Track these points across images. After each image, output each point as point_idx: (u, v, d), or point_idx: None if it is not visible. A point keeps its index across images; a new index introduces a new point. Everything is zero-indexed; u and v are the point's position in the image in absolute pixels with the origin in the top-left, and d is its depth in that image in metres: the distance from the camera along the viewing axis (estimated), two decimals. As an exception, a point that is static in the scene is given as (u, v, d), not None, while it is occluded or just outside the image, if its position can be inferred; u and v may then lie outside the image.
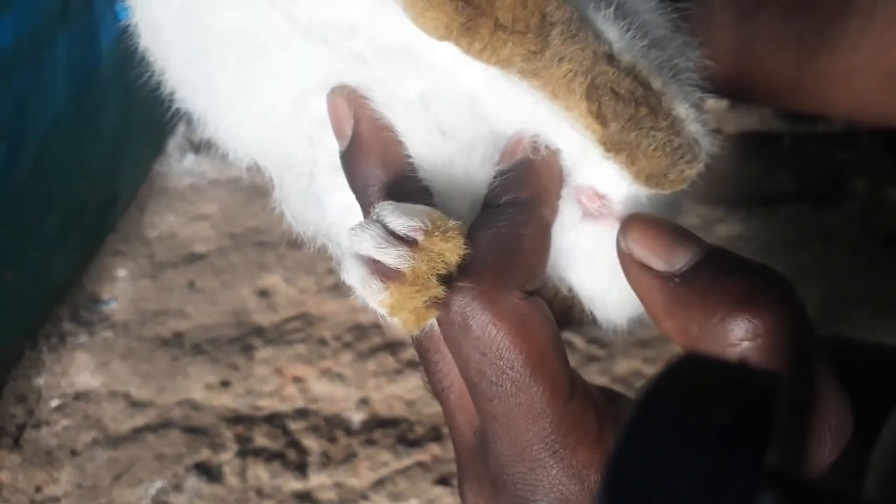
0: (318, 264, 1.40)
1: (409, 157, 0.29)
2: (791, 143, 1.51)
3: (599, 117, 0.25)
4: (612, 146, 0.26)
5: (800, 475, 0.26)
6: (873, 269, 1.29)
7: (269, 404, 1.21)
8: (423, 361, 0.30)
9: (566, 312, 0.32)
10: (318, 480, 1.10)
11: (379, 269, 0.26)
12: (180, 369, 1.26)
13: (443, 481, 1.09)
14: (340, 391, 1.21)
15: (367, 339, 1.28)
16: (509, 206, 0.28)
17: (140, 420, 1.20)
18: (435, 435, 1.14)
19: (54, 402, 1.23)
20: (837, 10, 0.31)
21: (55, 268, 1.32)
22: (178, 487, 1.11)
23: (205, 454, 1.15)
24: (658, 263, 0.26)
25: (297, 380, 1.24)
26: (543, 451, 0.26)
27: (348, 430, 1.16)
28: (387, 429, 1.16)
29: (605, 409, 0.27)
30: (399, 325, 0.27)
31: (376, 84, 0.28)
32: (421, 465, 1.11)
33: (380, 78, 0.28)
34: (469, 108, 0.28)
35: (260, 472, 1.12)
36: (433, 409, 1.19)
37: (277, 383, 1.24)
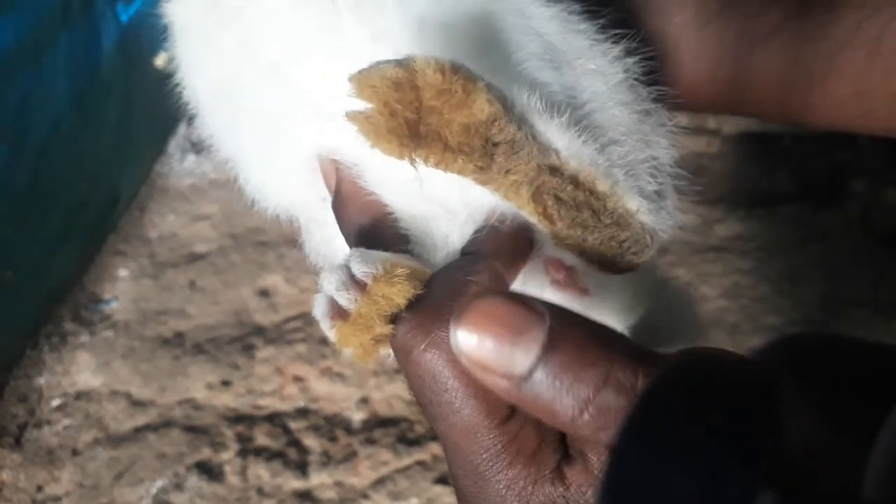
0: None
1: (386, 207, 0.33)
2: (790, 143, 1.51)
3: (546, 217, 0.28)
4: (561, 240, 0.28)
5: (799, 475, 0.26)
6: (872, 269, 1.29)
7: (269, 404, 1.21)
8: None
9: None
10: (318, 479, 1.11)
11: (335, 308, 0.29)
12: (181, 369, 1.27)
13: (443, 480, 1.09)
14: (341, 391, 1.21)
15: (367, 338, 1.28)
16: (466, 257, 0.31)
17: (141, 419, 1.20)
18: (435, 434, 1.14)
19: (55, 402, 1.23)
20: (846, 39, 0.32)
21: (56, 268, 1.32)
22: (178, 486, 1.11)
23: (206, 453, 1.15)
24: (499, 368, 0.25)
25: (298, 379, 1.24)
26: (483, 466, 0.27)
27: (349, 430, 1.16)
28: (387, 428, 1.16)
29: (546, 428, 0.27)
30: (353, 351, 0.30)
31: (369, 164, 0.32)
32: (421, 464, 1.11)
33: (373, 160, 0.31)
34: (456, 186, 0.31)
35: (261, 472, 1.12)
36: (433, 408, 1.19)
37: (278, 383, 1.24)
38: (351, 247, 0.32)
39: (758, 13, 0.35)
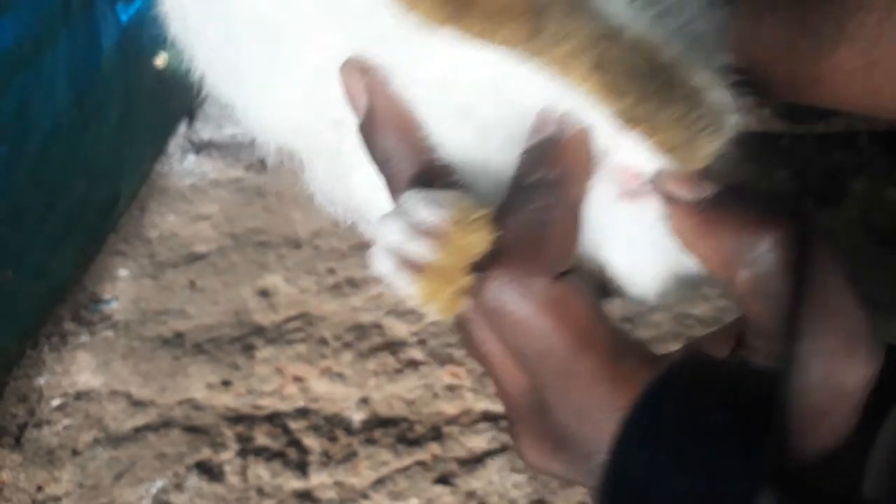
0: (319, 264, 1.40)
1: (425, 132, 0.28)
2: (790, 142, 1.51)
3: (613, 92, 0.24)
4: (630, 119, 0.25)
5: (799, 475, 0.26)
6: (872, 269, 1.29)
7: (269, 404, 1.21)
8: (459, 328, 0.29)
9: (602, 285, 0.32)
10: (318, 480, 1.11)
11: (407, 262, 0.25)
12: (181, 369, 1.26)
13: (443, 480, 1.09)
14: (341, 391, 1.21)
15: (367, 338, 1.28)
16: (537, 187, 0.27)
17: (141, 419, 1.20)
18: (435, 434, 1.15)
19: (55, 402, 1.23)
20: (857, 4, 0.31)
21: (56, 267, 1.32)
22: (178, 487, 1.11)
23: (206, 453, 1.15)
24: (687, 195, 0.27)
25: (298, 379, 1.24)
26: (606, 411, 0.25)
27: (349, 430, 1.16)
28: (387, 428, 1.16)
29: (655, 360, 0.27)
30: (434, 312, 0.26)
31: (396, 65, 0.27)
32: (421, 464, 1.11)
33: (400, 59, 0.27)
34: (492, 87, 0.27)
35: (261, 472, 1.12)
36: (433, 408, 1.19)
37: (278, 383, 1.24)
38: (395, 176, 0.28)
39: None
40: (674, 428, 0.23)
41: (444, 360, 1.24)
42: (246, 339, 1.30)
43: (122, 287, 1.39)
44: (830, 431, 0.25)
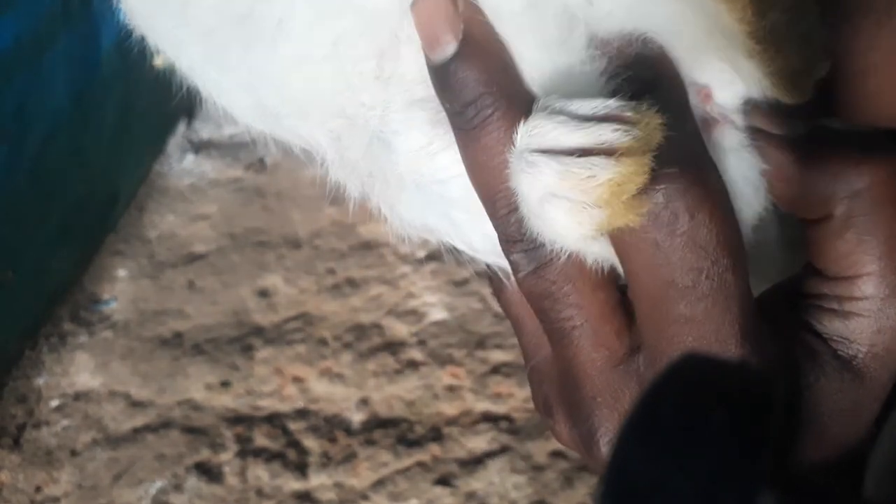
0: (318, 264, 1.40)
1: (519, 64, 0.25)
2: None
3: (760, 6, 0.23)
4: (764, 39, 0.23)
5: (799, 475, 0.26)
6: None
7: (269, 404, 1.21)
8: (544, 300, 0.26)
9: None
10: (318, 480, 1.11)
11: (593, 150, 0.21)
12: (180, 369, 1.26)
13: (443, 481, 1.09)
14: (340, 391, 1.21)
15: (367, 339, 1.28)
16: (660, 92, 0.24)
17: (140, 420, 1.20)
18: (435, 435, 1.15)
19: (54, 402, 1.23)
20: (854, 5, 0.30)
21: (55, 268, 1.32)
22: (178, 487, 1.11)
23: (205, 454, 1.15)
24: (778, 130, 0.26)
25: (297, 380, 1.24)
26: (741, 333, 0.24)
27: (348, 431, 1.16)
28: (387, 429, 1.16)
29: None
30: (603, 223, 0.22)
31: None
32: (421, 465, 1.11)
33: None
34: (575, 14, 0.24)
35: (260, 473, 1.12)
36: (433, 409, 1.19)
37: (277, 383, 1.24)
38: (488, 107, 0.24)
39: None
40: (674, 428, 0.23)
41: (444, 360, 1.24)
42: (245, 339, 1.30)
43: (122, 287, 1.39)
44: (875, 380, 0.25)
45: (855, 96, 0.31)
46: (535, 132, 0.21)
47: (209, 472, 1.13)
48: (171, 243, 1.47)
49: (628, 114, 0.21)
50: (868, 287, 0.24)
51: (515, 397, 1.18)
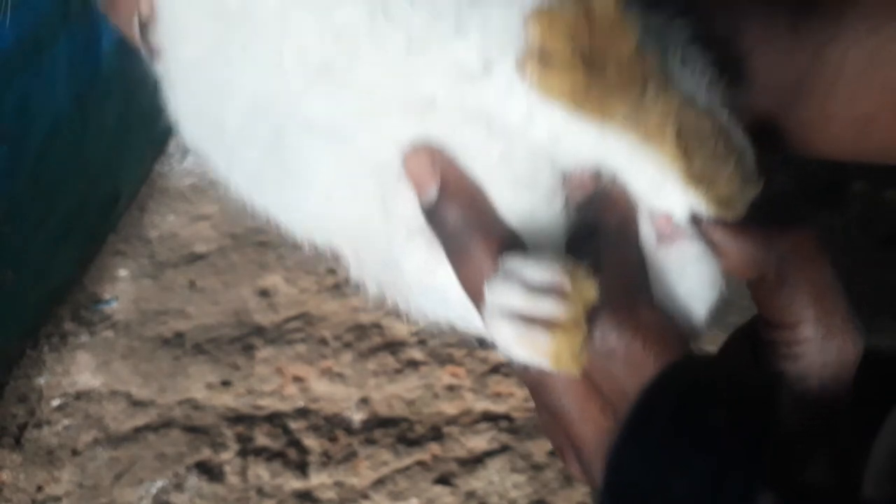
0: (319, 264, 1.40)
1: (492, 203, 0.30)
2: (791, 143, 1.51)
3: (686, 155, 0.27)
4: (694, 179, 0.28)
5: (798, 475, 0.26)
6: (872, 269, 1.29)
7: (269, 404, 1.21)
8: (535, 386, 0.31)
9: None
10: (318, 480, 1.11)
11: (535, 322, 0.27)
12: (181, 369, 1.26)
13: (443, 480, 1.09)
14: (341, 391, 1.21)
15: (367, 338, 1.28)
16: (606, 234, 0.30)
17: (141, 419, 1.20)
18: (435, 434, 1.15)
19: (55, 402, 1.23)
20: (812, 60, 0.34)
21: (56, 268, 1.32)
22: (178, 487, 1.11)
23: (206, 454, 1.15)
24: (731, 238, 0.31)
25: (298, 379, 1.24)
26: None
27: (349, 430, 1.16)
28: (387, 428, 1.16)
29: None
30: (560, 371, 0.28)
31: (455, 149, 0.30)
32: (421, 464, 1.11)
33: (459, 144, 0.29)
34: (544, 158, 0.29)
35: (261, 472, 1.12)
36: (433, 408, 1.19)
37: (278, 383, 1.24)
38: (462, 245, 0.29)
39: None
40: (673, 428, 0.23)
41: (444, 360, 1.24)
42: (246, 339, 1.30)
43: (122, 287, 1.39)
44: (829, 406, 0.28)
45: (819, 141, 0.35)
46: (496, 293, 0.27)
47: (210, 472, 1.13)
48: (172, 243, 1.47)
49: (567, 287, 0.26)
50: (807, 331, 0.29)
51: (515, 397, 1.18)
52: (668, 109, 0.27)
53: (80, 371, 1.27)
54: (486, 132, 0.29)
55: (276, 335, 1.30)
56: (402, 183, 0.30)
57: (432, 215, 0.30)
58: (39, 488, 1.12)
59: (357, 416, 1.18)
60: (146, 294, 1.38)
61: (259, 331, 1.31)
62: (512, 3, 0.27)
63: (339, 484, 1.10)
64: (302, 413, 1.19)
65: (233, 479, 1.12)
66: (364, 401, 1.20)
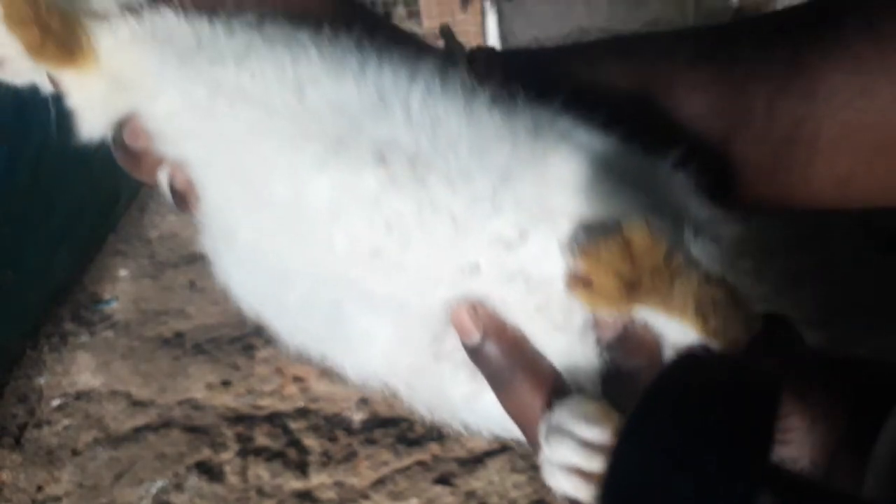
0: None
1: (533, 345, 0.34)
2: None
3: (703, 319, 0.31)
4: (710, 333, 0.31)
5: (798, 475, 0.26)
6: (872, 270, 1.29)
7: (269, 404, 1.21)
8: None
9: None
10: (318, 479, 1.11)
11: (585, 475, 0.30)
12: (181, 369, 1.26)
13: (443, 480, 1.09)
14: (341, 391, 1.21)
15: (367, 338, 1.29)
16: (637, 374, 0.32)
17: (141, 419, 1.20)
18: (435, 434, 1.15)
19: (55, 402, 1.23)
20: (791, 136, 0.37)
21: (56, 268, 1.32)
22: (178, 487, 1.11)
23: (206, 453, 1.15)
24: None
25: (298, 379, 1.24)
26: None
27: (349, 430, 1.16)
28: (387, 428, 1.16)
29: None
30: None
31: (497, 303, 0.33)
32: (421, 464, 1.11)
33: (500, 299, 0.33)
34: (577, 303, 0.32)
35: (261, 472, 1.12)
36: (433, 408, 1.19)
37: (278, 383, 1.24)
38: (508, 382, 0.34)
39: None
40: (673, 428, 0.23)
41: (444, 360, 1.25)
42: (246, 339, 1.30)
43: (122, 287, 1.39)
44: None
45: (802, 199, 0.38)
46: (553, 449, 0.31)
47: (210, 472, 1.13)
48: (172, 243, 1.47)
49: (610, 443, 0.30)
50: (793, 422, 0.30)
51: (516, 397, 1.18)
52: (689, 290, 0.31)
53: (80, 371, 1.27)
54: (524, 287, 0.33)
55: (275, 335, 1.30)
56: (448, 328, 0.34)
57: (476, 355, 0.34)
58: (39, 488, 1.12)
59: (357, 416, 1.18)
60: (146, 294, 1.38)
61: (259, 331, 1.31)
62: (540, 177, 0.32)
63: (339, 484, 1.10)
64: (302, 413, 1.19)
65: (233, 479, 1.12)
66: (364, 401, 1.20)
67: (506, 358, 0.33)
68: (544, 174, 0.32)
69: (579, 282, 0.30)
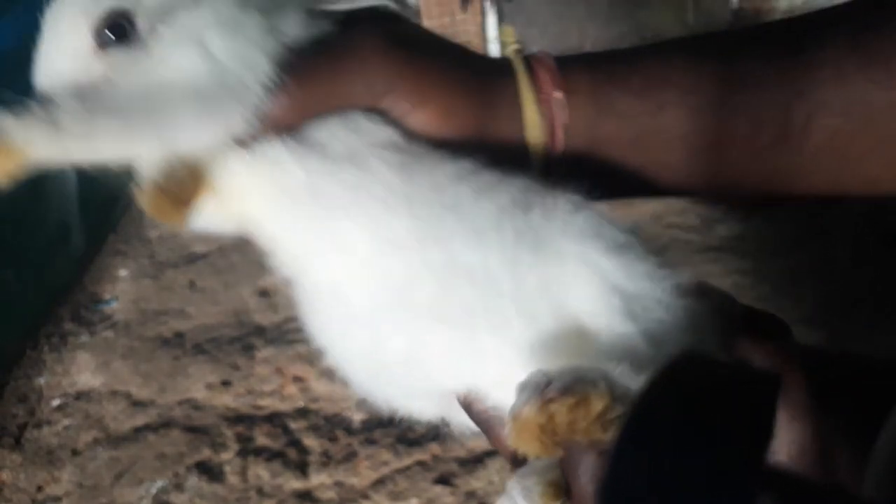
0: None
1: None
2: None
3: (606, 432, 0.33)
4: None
5: (798, 475, 0.26)
6: (873, 269, 1.29)
7: (269, 404, 1.21)
8: None
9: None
10: (318, 479, 1.11)
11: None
12: (181, 369, 1.26)
13: (442, 480, 1.09)
14: (341, 391, 1.21)
15: (367, 338, 1.28)
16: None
17: (141, 419, 1.20)
18: (435, 434, 1.15)
19: (55, 402, 1.23)
20: (770, 154, 0.38)
21: (56, 268, 1.32)
22: (178, 487, 1.11)
23: (206, 453, 1.15)
24: None
25: (298, 379, 1.24)
26: None
27: (349, 430, 1.16)
28: (387, 428, 1.16)
29: None
30: None
31: (493, 386, 0.38)
32: (421, 464, 1.11)
33: (498, 383, 0.37)
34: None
35: (261, 472, 1.12)
36: (433, 408, 1.19)
37: (278, 383, 1.24)
38: (487, 430, 0.39)
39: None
40: (672, 430, 0.23)
41: (444, 360, 1.24)
42: (246, 339, 1.30)
43: (123, 287, 1.39)
44: None
45: (794, 195, 0.39)
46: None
47: (210, 472, 1.13)
48: (172, 243, 1.47)
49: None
50: (781, 454, 0.30)
51: (516, 397, 1.18)
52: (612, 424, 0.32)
53: (80, 371, 1.27)
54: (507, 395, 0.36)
55: (276, 335, 1.30)
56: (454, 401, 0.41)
57: (470, 415, 0.39)
58: (39, 488, 1.12)
59: (357, 416, 1.18)
60: (146, 294, 1.38)
61: (259, 331, 1.31)
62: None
63: (339, 484, 1.10)
64: (302, 413, 1.19)
65: (233, 479, 1.12)
66: (364, 401, 1.20)
67: (485, 423, 0.38)
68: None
69: (511, 430, 0.32)
